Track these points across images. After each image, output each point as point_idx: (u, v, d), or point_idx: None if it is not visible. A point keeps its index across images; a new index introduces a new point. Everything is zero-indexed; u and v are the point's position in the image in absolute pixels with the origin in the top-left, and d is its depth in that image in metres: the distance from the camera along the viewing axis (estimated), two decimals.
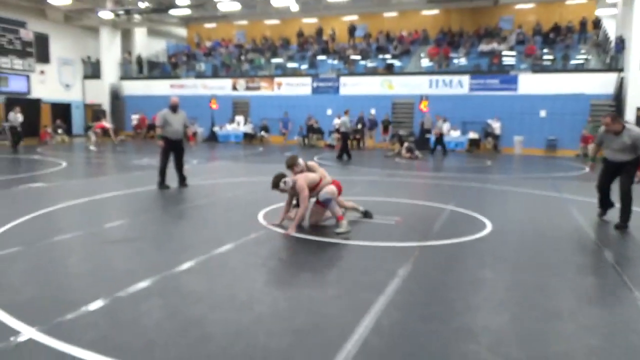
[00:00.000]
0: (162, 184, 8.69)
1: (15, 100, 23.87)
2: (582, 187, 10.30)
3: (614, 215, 6.34)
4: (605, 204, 6.61)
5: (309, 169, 5.98)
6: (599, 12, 24.68)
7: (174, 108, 8.80)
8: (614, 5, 23.40)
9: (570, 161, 16.81)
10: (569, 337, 3.04)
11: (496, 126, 20.66)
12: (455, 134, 21.44)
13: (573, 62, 21.93)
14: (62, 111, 27.12)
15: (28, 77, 25.83)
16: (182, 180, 8.98)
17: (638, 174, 6.01)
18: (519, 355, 2.77)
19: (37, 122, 25.18)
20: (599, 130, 6.49)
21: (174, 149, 8.82)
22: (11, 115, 17.94)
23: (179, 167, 8.96)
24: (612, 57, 20.79)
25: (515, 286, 3.98)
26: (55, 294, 3.61)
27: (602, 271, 4.47)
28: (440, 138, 18.55)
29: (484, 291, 3.84)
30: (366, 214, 6.32)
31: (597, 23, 23.67)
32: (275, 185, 5.67)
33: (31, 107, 24.97)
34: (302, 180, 5.62)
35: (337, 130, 20.56)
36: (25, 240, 5.03)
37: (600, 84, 20.13)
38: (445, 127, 21.52)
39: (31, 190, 8.47)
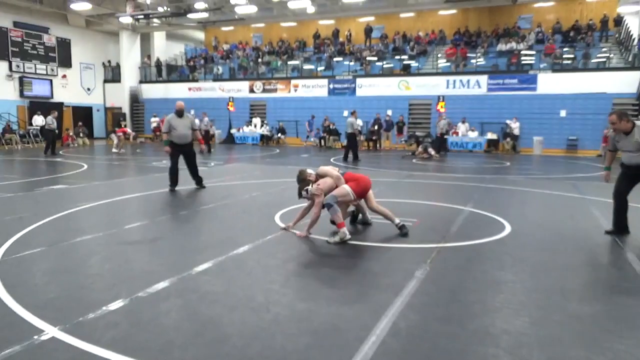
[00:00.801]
0: (173, 188, 8.73)
1: (39, 104, 24.44)
2: (603, 187, 10.08)
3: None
4: (619, 220, 5.71)
5: (321, 176, 5.78)
6: (621, 10, 24.15)
7: (179, 113, 8.74)
8: (637, 2, 22.88)
9: (591, 161, 16.48)
10: (590, 341, 2.98)
11: (515, 126, 20.40)
12: (474, 134, 21.23)
13: (594, 60, 21.51)
14: (83, 114, 27.66)
15: (51, 81, 26.42)
16: (199, 182, 9.00)
17: None
18: (539, 358, 2.72)
19: (59, 125, 25.69)
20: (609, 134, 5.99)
21: (183, 153, 8.78)
22: (49, 118, 18.04)
23: (193, 170, 8.93)
24: (634, 55, 20.33)
25: (535, 288, 3.91)
26: (77, 294, 3.68)
27: (624, 273, 4.37)
28: (441, 138, 18.58)
29: (503, 293, 3.79)
30: (401, 230, 5.59)
31: (619, 20, 23.18)
32: (299, 194, 5.71)
33: (54, 110, 25.50)
34: (318, 186, 5.51)
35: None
36: (48, 241, 5.14)
37: (623, 82, 19.70)
38: (463, 128, 21.35)
39: (53, 191, 8.65)
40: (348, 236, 5.17)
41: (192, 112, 26.71)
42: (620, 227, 5.70)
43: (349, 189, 5.51)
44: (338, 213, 5.26)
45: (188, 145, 8.82)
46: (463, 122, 21.37)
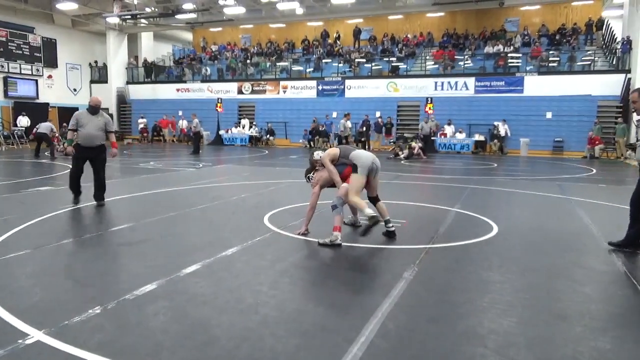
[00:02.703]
0: (77, 199, 7.40)
1: (24, 105, 24.11)
2: (589, 188, 10.24)
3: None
4: (635, 235, 4.93)
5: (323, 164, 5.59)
6: (605, 14, 24.55)
7: (93, 109, 7.44)
8: (620, 6, 23.27)
9: (577, 163, 16.71)
10: (577, 340, 3.01)
11: (503, 129, 20.58)
12: (461, 136, 21.40)
13: (579, 63, 21.85)
14: (69, 116, 27.30)
15: (36, 81, 26.09)
16: (100, 198, 7.45)
17: None
18: (526, 358, 2.75)
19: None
20: (634, 121, 4.85)
21: (89, 158, 7.42)
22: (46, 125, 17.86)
23: (99, 181, 7.48)
24: (618, 58, 20.67)
25: (522, 288, 3.95)
26: (62, 297, 3.63)
27: (609, 273, 4.43)
28: (425, 139, 19.09)
29: (491, 293, 3.81)
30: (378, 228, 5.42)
31: (603, 24, 23.55)
32: (308, 172, 5.84)
33: (39, 111, 25.18)
34: (326, 156, 5.47)
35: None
36: (33, 244, 5.07)
37: (607, 85, 20.03)
38: (449, 129, 21.53)
39: (39, 193, 8.53)
40: (339, 240, 5.08)
41: (180, 113, 26.64)
42: (635, 238, 4.92)
43: (355, 186, 5.34)
44: (340, 215, 5.15)
45: (96, 150, 7.42)
46: (449, 123, 21.55)
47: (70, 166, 7.44)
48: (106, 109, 29.27)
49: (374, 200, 5.66)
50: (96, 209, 7.17)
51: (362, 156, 5.39)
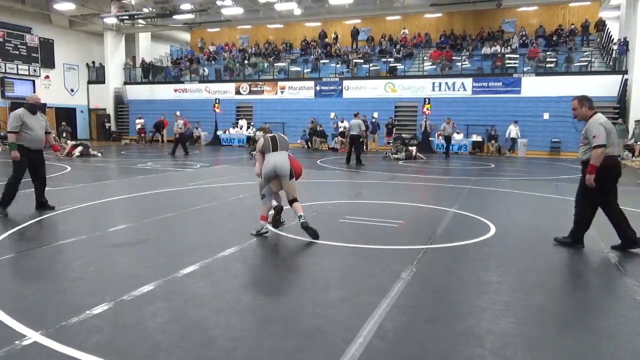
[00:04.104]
0: (4, 210, 6.57)
1: (21, 105, 24.02)
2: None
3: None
4: (578, 232, 5.26)
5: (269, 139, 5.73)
6: (602, 14, 24.64)
7: (33, 108, 6.83)
8: (617, 7, 23.36)
9: (573, 163, 16.74)
10: (575, 340, 3.02)
11: (515, 130, 20.21)
12: (459, 136, 21.42)
13: (576, 64, 21.92)
14: (66, 116, 27.28)
15: (33, 82, 26.02)
16: (42, 204, 6.97)
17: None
18: (524, 358, 2.75)
19: None
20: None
21: (33, 162, 6.80)
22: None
23: (42, 186, 6.99)
24: (615, 59, 20.74)
25: (519, 289, 3.96)
26: (59, 298, 3.62)
27: (606, 273, 4.45)
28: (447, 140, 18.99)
29: (488, 294, 3.82)
30: (302, 225, 5.42)
31: (600, 25, 23.63)
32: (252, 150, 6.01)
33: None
34: (259, 144, 5.70)
35: (343, 134, 20.60)
36: (30, 244, 5.05)
37: (604, 86, 20.08)
38: (448, 128, 21.49)
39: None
40: (265, 229, 5.54)
41: (178, 113, 26.55)
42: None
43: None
44: (265, 206, 5.58)
45: (41, 153, 6.92)
46: (447, 122, 21.53)
47: (12, 173, 6.72)
48: (103, 110, 29.28)
49: (290, 202, 5.61)
50: (94, 210, 7.16)
51: (267, 163, 5.52)
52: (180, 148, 17.98)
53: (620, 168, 5.22)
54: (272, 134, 5.74)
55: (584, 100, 5.16)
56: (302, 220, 5.38)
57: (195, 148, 23.06)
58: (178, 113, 19.41)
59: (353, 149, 14.79)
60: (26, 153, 6.67)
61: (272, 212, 5.97)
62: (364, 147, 22.02)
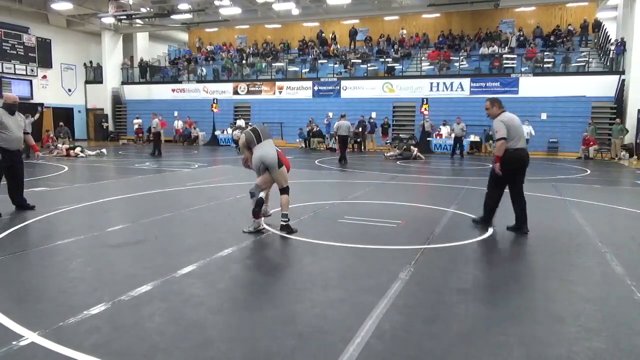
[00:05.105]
0: None
1: (18, 105, 23.95)
2: (583, 189, 10.28)
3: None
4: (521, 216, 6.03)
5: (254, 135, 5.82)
6: (600, 15, 24.71)
7: (11, 108, 6.68)
8: (615, 7, 23.44)
9: (571, 164, 16.78)
10: (572, 340, 3.03)
11: (528, 130, 19.95)
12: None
13: (574, 64, 21.97)
14: (64, 116, 27.21)
15: (30, 82, 25.95)
16: (21, 205, 6.83)
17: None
18: (521, 358, 2.76)
19: (39, 126, 25.22)
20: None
21: (10, 162, 6.61)
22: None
23: (19, 188, 6.84)
24: (612, 59, 20.79)
25: (517, 289, 3.97)
26: (57, 298, 3.61)
27: (604, 274, 4.46)
28: (457, 141, 18.86)
29: (486, 294, 3.83)
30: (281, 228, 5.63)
31: (597, 26, 23.70)
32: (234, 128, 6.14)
33: (33, 111, 25.02)
34: (241, 144, 5.86)
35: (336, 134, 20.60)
36: (28, 244, 5.04)
37: (602, 86, 20.13)
38: (445, 130, 21.52)
39: (34, 194, 8.48)
40: (262, 226, 5.65)
41: (176, 113, 26.58)
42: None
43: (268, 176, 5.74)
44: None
45: (19, 154, 6.81)
46: (444, 124, 21.57)
47: None
48: (101, 110, 29.21)
49: (280, 192, 5.78)
50: (89, 210, 7.14)
51: (254, 156, 5.64)
52: (161, 147, 17.72)
53: (525, 160, 5.97)
54: (252, 127, 5.84)
55: (494, 101, 6.08)
56: (282, 221, 5.61)
57: (193, 148, 23.05)
58: (156, 113, 19.33)
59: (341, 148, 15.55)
60: (3, 153, 6.50)
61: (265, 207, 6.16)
62: (362, 147, 22.10)
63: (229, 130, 24.62)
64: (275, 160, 5.57)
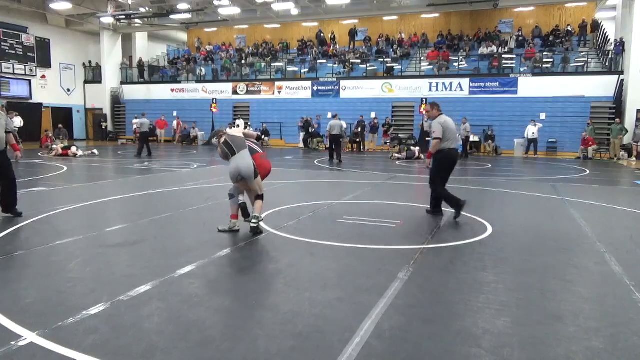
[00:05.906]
0: None
1: (17, 105, 23.95)
2: (582, 189, 10.30)
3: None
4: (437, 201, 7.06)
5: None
6: (599, 15, 24.73)
7: None
8: (614, 8, 23.45)
9: (570, 163, 16.80)
10: (571, 339, 3.03)
11: (534, 130, 19.53)
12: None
13: (573, 64, 21.98)
14: (63, 116, 27.19)
15: (29, 81, 25.93)
16: (11, 207, 6.53)
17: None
18: (520, 358, 2.76)
19: (38, 126, 25.23)
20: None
21: None
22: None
23: (11, 188, 6.60)
24: (611, 59, 20.82)
25: (516, 289, 3.97)
26: (56, 298, 3.60)
27: (603, 273, 4.46)
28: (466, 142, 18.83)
29: (485, 294, 3.83)
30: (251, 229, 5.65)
31: (596, 26, 23.73)
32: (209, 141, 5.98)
33: (32, 111, 25.04)
34: (228, 135, 5.79)
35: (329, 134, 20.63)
36: (27, 245, 5.04)
37: (601, 86, 20.15)
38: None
39: (32, 194, 8.47)
40: (237, 227, 5.72)
41: (175, 113, 26.58)
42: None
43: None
44: (235, 205, 5.77)
45: (3, 155, 6.52)
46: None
47: None
48: (100, 110, 29.18)
49: (256, 197, 5.77)
50: (90, 210, 7.14)
51: (230, 167, 5.65)
52: (145, 148, 17.25)
53: (455, 159, 7.03)
54: (224, 139, 5.74)
55: (434, 105, 6.96)
56: (252, 223, 5.57)
57: (192, 148, 23.04)
58: (144, 113, 19.19)
59: (334, 147, 15.95)
60: None
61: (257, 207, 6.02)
62: (362, 147, 22.10)
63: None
64: (252, 171, 5.60)
